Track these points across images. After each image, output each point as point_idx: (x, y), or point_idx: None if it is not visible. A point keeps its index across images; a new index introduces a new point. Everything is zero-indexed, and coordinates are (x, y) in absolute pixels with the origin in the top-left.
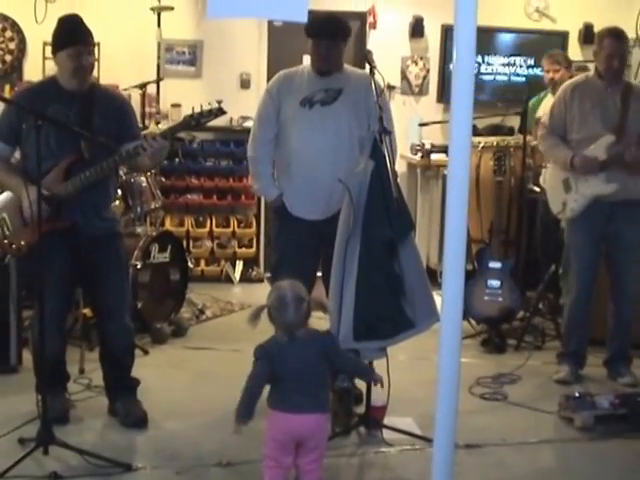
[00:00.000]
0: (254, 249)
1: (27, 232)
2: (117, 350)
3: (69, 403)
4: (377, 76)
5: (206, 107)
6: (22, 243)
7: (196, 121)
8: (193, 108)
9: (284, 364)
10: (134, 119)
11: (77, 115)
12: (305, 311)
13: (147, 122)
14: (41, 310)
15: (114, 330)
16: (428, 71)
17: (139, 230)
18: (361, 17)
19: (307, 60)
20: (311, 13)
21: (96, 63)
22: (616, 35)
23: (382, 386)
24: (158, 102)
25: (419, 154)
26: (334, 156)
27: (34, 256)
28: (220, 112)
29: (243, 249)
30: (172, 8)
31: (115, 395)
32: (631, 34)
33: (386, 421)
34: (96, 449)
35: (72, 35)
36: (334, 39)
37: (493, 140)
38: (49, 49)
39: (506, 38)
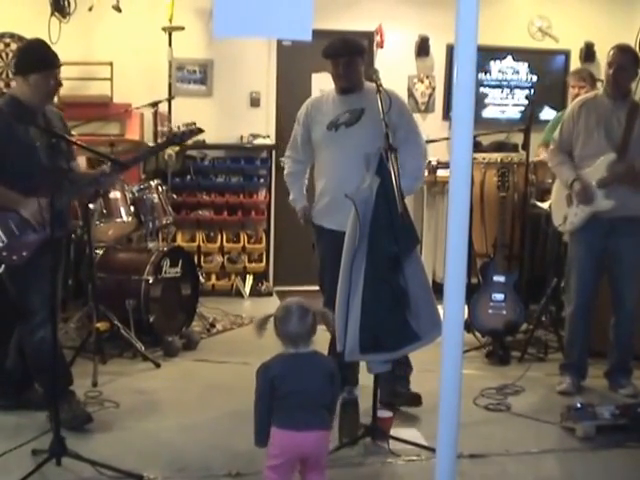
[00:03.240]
0: (264, 264)
1: (26, 243)
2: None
3: (83, 405)
4: (383, 94)
5: (187, 128)
6: (24, 254)
7: (179, 139)
8: (179, 127)
9: (288, 381)
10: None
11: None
12: (310, 324)
13: (159, 140)
14: (53, 318)
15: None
16: (434, 89)
17: (151, 245)
18: (368, 37)
19: (316, 79)
20: (318, 33)
21: (109, 82)
22: (620, 48)
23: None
24: (170, 120)
25: (425, 170)
26: (359, 173)
27: (29, 266)
28: (199, 131)
29: (253, 264)
30: (183, 28)
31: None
32: None
33: (392, 432)
34: (108, 460)
35: (48, 58)
36: (350, 56)
37: (497, 157)
38: (62, 68)
39: None
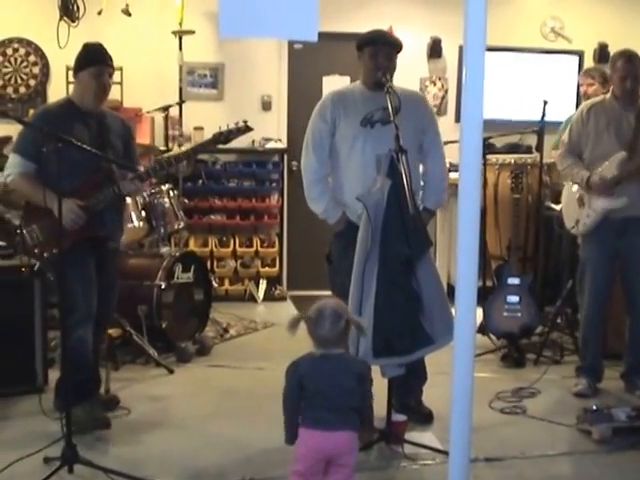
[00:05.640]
0: (277, 268)
1: (58, 241)
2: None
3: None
4: (393, 95)
5: (233, 126)
6: (54, 251)
7: (225, 137)
8: (227, 126)
9: (315, 380)
10: (136, 146)
11: (96, 134)
12: (342, 329)
13: (170, 144)
14: (78, 312)
15: (97, 335)
16: (446, 91)
17: (163, 250)
18: None
19: (327, 82)
20: (327, 35)
21: (119, 86)
22: (628, 57)
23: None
24: (181, 125)
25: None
26: None
27: (66, 261)
28: (247, 129)
29: (266, 268)
30: (193, 32)
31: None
32: None
33: (407, 436)
34: (120, 467)
35: (95, 55)
36: (391, 47)
37: (510, 158)
38: (72, 73)
39: None
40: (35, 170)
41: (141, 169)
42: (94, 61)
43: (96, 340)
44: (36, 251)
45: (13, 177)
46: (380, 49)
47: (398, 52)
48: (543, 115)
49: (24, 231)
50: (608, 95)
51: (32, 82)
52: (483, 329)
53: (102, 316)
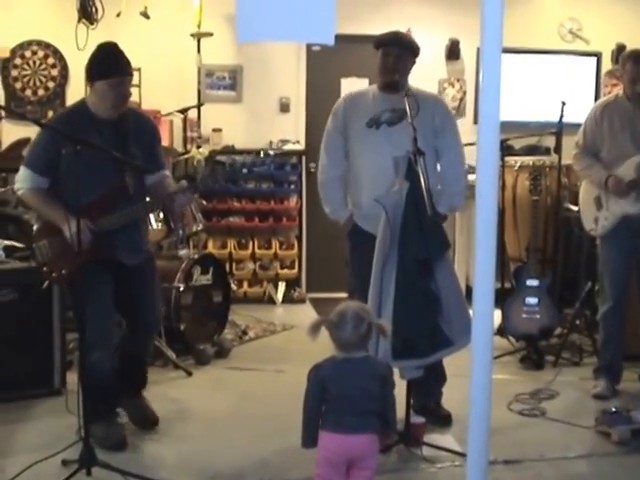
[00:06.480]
0: (296, 270)
1: (69, 259)
2: (142, 358)
3: (123, 427)
4: (411, 98)
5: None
6: (63, 271)
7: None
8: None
9: (337, 384)
10: (161, 148)
11: (112, 143)
12: (364, 332)
13: (189, 147)
14: (93, 335)
15: (146, 341)
16: (465, 93)
17: (181, 253)
18: None
19: (345, 84)
20: (345, 37)
21: (137, 88)
22: (636, 58)
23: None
24: (199, 127)
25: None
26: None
27: (78, 283)
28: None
29: (285, 270)
30: (211, 34)
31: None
32: None
33: (426, 438)
34: (138, 469)
35: (114, 65)
36: (402, 50)
37: (529, 160)
38: (87, 79)
39: None
40: (45, 184)
41: (166, 173)
42: (113, 72)
43: (139, 350)
44: (45, 269)
45: (23, 191)
46: (390, 51)
47: (414, 55)
48: (561, 116)
49: (34, 245)
50: (620, 93)
51: (51, 84)
52: (502, 331)
53: (140, 328)
